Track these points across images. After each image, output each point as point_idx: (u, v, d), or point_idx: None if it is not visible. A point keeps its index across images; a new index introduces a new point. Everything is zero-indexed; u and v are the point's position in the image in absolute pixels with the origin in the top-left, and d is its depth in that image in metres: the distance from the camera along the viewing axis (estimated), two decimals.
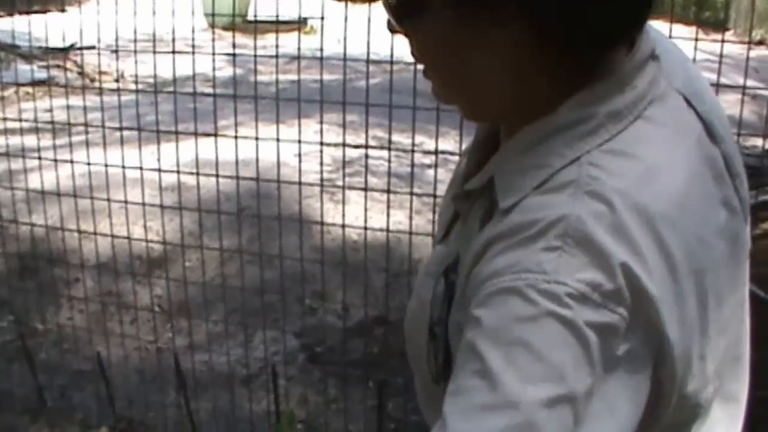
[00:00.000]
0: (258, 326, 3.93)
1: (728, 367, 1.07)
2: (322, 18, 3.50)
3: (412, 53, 1.03)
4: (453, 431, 0.84)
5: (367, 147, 3.41)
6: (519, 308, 0.85)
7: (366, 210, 3.53)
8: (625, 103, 0.95)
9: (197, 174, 3.41)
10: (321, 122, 3.32)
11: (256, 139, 3.27)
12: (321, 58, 3.23)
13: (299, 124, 3.14)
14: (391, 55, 3.23)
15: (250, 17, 12.21)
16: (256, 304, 3.76)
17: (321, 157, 3.50)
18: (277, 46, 3.29)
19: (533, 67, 0.96)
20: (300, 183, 3.37)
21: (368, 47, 3.03)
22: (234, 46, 3.30)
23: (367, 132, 3.26)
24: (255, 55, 3.47)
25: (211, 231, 4.13)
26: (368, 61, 3.18)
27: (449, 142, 3.89)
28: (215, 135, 3.42)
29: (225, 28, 10.81)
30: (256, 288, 3.73)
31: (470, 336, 0.88)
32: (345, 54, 3.40)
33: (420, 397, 1.23)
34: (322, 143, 3.31)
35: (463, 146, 3.61)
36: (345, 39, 3.19)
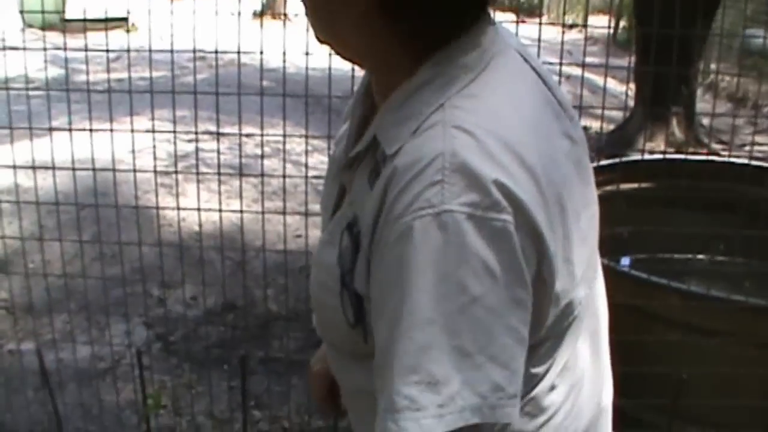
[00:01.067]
0: (106, 322, 4.01)
1: (591, 278, 1.28)
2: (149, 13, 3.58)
3: None
4: (391, 352, 1.05)
5: (197, 133, 3.51)
6: (422, 239, 1.03)
7: (199, 196, 3.62)
8: (473, 58, 1.15)
9: (33, 168, 3.40)
10: (152, 114, 3.41)
11: (90, 131, 3.30)
12: (150, 50, 3.33)
13: (131, 119, 3.22)
14: (216, 51, 3.38)
15: (68, 16, 11.96)
16: (104, 300, 3.83)
17: (154, 150, 3.58)
18: (107, 44, 3.37)
19: (383, 35, 1.16)
20: (135, 170, 3.44)
21: (194, 43, 3.16)
22: (65, 46, 3.34)
23: (196, 122, 3.38)
24: (86, 49, 3.51)
25: (53, 231, 4.16)
26: (194, 52, 3.31)
27: (278, 130, 4.06)
28: (50, 129, 3.43)
29: (42, 28, 10.59)
30: (101, 283, 3.80)
31: (385, 275, 1.07)
32: (172, 49, 3.50)
33: (334, 363, 1.39)
34: (154, 131, 3.39)
35: (289, 131, 3.76)
36: (171, 35, 3.29)
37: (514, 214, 1.05)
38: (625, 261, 3.99)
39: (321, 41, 1.24)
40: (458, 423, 1.04)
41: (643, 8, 7.17)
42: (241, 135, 3.68)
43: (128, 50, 3.33)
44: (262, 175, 3.48)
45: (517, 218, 1.06)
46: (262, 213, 3.32)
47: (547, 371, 1.21)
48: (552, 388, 1.24)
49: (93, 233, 4.22)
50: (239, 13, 3.63)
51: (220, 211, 3.44)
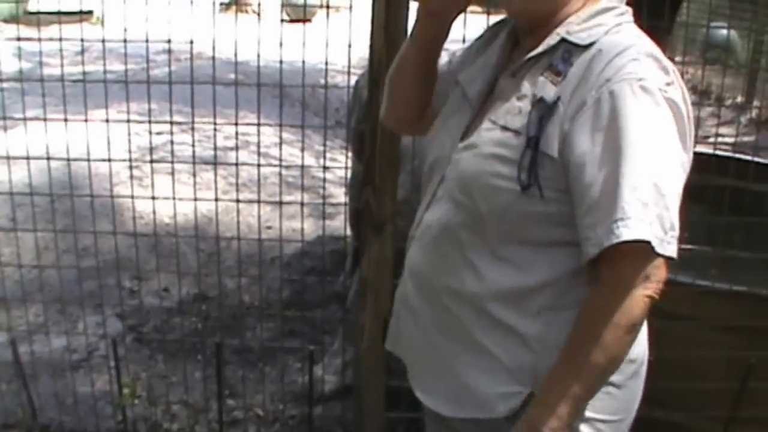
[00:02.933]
0: (80, 314, 4.01)
1: None
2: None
3: None
4: (616, 177, 1.41)
5: (171, 123, 3.52)
6: (632, 96, 1.42)
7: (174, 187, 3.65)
8: (629, 9, 1.61)
9: (8, 158, 3.42)
10: (127, 101, 3.43)
11: (65, 120, 3.33)
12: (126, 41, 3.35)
13: (106, 107, 3.24)
14: (192, 44, 3.40)
15: (31, 8, 11.88)
16: (77, 292, 3.85)
17: (129, 140, 3.60)
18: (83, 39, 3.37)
19: None
20: (110, 160, 3.45)
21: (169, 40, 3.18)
22: (40, 38, 3.35)
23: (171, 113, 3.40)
24: (60, 39, 3.52)
25: (25, 223, 4.16)
26: (170, 50, 3.33)
27: (251, 125, 4.10)
28: (24, 120, 3.45)
29: (6, 21, 10.51)
30: (75, 275, 3.82)
31: (598, 123, 1.43)
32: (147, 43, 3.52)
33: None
34: (129, 121, 3.42)
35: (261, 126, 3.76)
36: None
37: (681, 94, 1.49)
38: None
39: (522, 11, 1.61)
40: (656, 246, 1.41)
41: None
42: (215, 124, 3.71)
43: (103, 41, 3.33)
44: (237, 164, 3.52)
45: (683, 98, 1.49)
46: (237, 201, 3.36)
47: None
48: None
49: (66, 225, 4.22)
50: (214, 4, 3.66)
51: (195, 200, 3.47)
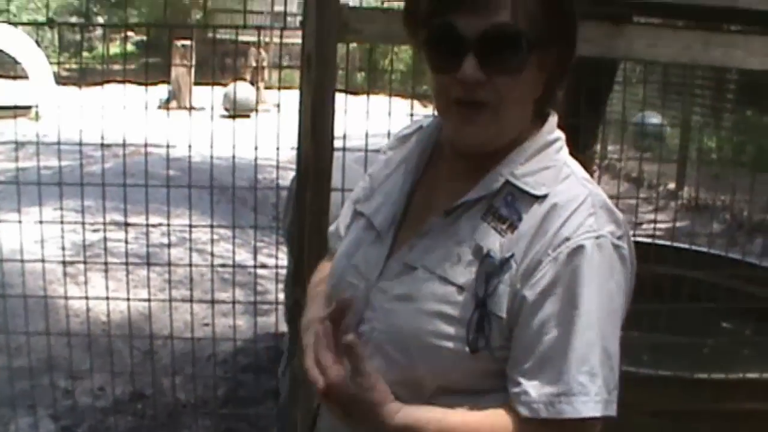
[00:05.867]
0: (12, 415, 3.96)
1: None
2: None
3: (479, 96, 1.43)
4: (565, 347, 1.35)
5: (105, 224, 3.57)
6: (590, 256, 1.37)
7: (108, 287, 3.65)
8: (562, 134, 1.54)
9: None
10: (61, 200, 3.46)
11: None
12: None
13: (40, 205, 3.26)
14: (124, 141, 3.45)
15: None
16: (7, 392, 3.80)
17: (62, 239, 3.61)
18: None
19: (536, 100, 1.49)
20: (43, 261, 3.47)
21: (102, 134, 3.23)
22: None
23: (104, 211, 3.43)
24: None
25: None
26: (102, 145, 3.38)
27: (184, 220, 4.14)
28: None
29: None
30: (6, 375, 3.78)
31: (555, 285, 1.37)
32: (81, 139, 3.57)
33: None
34: (62, 222, 3.45)
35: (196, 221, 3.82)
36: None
37: (628, 246, 1.45)
38: None
39: (486, 140, 1.47)
40: (602, 412, 1.36)
41: None
42: (148, 225, 3.75)
43: (37, 142, 3.38)
44: (169, 264, 3.55)
45: (630, 250, 1.45)
46: (170, 301, 3.37)
47: None
48: None
49: None
50: (146, 105, 3.72)
51: (128, 299, 3.48)
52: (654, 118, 11.79)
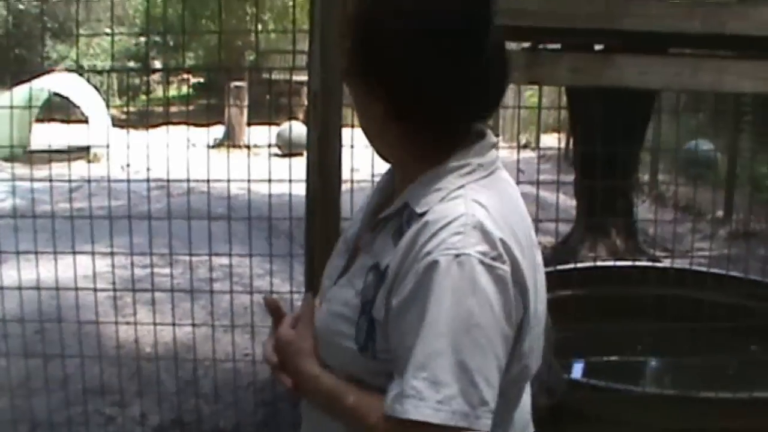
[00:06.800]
0: None
1: (538, 359, 1.64)
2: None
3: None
4: (409, 352, 1.43)
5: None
6: (445, 272, 1.42)
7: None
8: (487, 161, 1.59)
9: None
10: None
11: (54, 254, 3.55)
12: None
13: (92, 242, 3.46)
14: (168, 178, 3.63)
15: (33, 147, 12.27)
16: (60, 418, 3.98)
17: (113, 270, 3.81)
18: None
19: (401, 133, 1.58)
20: (95, 290, 3.67)
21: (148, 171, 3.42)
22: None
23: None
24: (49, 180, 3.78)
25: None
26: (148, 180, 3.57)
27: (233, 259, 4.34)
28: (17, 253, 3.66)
29: (5, 159, 10.84)
30: (60, 401, 3.96)
31: (411, 295, 1.45)
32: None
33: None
34: (112, 253, 3.65)
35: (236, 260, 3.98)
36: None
37: (511, 267, 1.47)
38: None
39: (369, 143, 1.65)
40: (449, 422, 1.40)
41: (578, 128, 7.63)
42: (191, 256, 3.94)
43: (89, 180, 3.59)
44: (211, 292, 3.71)
45: (513, 271, 1.47)
46: (212, 326, 3.54)
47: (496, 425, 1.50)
48: None
49: (49, 352, 4.39)
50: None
51: (174, 324, 3.65)
52: (705, 146, 11.78)
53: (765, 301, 4.29)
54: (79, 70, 17.67)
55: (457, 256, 1.43)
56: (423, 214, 1.51)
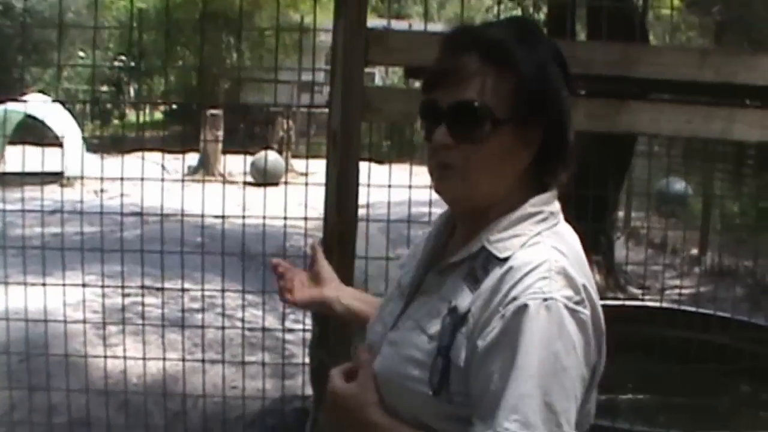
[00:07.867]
0: None
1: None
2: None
3: (448, 158, 1.60)
4: (500, 395, 1.44)
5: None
6: (534, 315, 1.45)
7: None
8: (556, 210, 1.63)
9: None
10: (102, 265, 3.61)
11: (44, 285, 3.51)
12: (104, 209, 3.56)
13: (82, 270, 3.42)
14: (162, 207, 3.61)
15: (6, 169, 12.16)
16: None
17: (102, 301, 3.77)
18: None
19: (528, 177, 1.62)
20: (84, 321, 3.63)
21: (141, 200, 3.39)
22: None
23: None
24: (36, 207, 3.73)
25: None
26: (142, 212, 3.53)
27: (214, 285, 4.29)
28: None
29: None
30: None
31: (500, 339, 1.47)
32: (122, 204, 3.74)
33: None
34: (103, 285, 3.60)
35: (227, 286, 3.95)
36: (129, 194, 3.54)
37: (591, 312, 1.52)
38: None
39: (453, 192, 1.63)
40: None
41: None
42: (183, 290, 3.90)
43: (82, 205, 3.55)
44: (203, 327, 3.68)
45: (593, 316, 1.52)
46: (203, 361, 3.50)
47: None
48: None
49: (36, 383, 4.33)
50: (183, 175, 3.89)
51: (164, 359, 3.61)
52: (678, 184, 11.92)
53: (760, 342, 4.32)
54: (53, 93, 17.55)
55: (545, 300, 1.47)
56: (505, 260, 1.55)
